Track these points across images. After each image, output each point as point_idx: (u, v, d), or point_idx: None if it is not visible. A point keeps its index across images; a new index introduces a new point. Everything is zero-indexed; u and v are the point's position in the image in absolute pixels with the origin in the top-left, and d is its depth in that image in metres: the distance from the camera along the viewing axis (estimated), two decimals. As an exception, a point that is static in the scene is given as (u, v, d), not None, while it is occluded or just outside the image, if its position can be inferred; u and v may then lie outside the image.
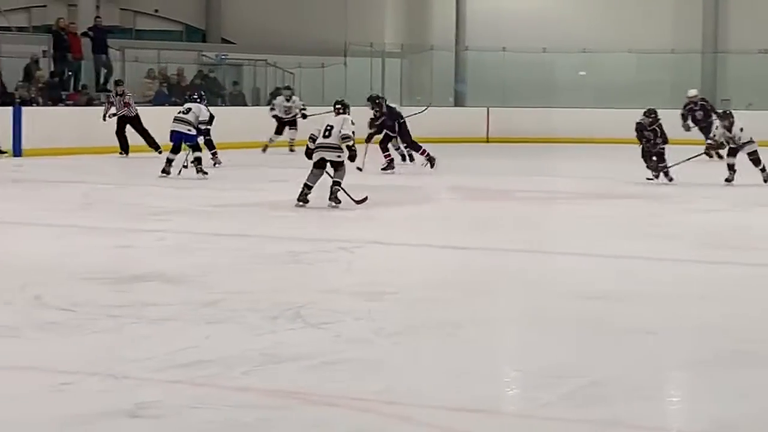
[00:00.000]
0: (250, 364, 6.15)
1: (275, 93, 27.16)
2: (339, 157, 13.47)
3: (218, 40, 31.87)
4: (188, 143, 17.52)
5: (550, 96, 30.60)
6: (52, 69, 24.95)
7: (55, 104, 23.67)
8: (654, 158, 17.06)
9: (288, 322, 7.28)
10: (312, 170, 13.55)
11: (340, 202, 13.42)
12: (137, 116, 22.08)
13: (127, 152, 22.04)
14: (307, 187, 13.47)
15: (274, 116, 23.74)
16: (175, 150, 17.54)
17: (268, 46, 29.44)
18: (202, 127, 17.61)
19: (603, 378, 6.02)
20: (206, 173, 17.37)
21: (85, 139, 21.97)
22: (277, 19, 31.07)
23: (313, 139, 13.59)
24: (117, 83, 23.25)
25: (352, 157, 13.75)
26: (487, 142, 29.43)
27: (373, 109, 19.68)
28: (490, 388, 5.95)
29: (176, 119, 17.54)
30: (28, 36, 27.48)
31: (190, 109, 17.57)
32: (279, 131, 23.72)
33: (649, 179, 17.01)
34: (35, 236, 11.67)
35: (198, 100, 18.02)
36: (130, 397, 5.49)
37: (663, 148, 17.07)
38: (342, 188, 13.49)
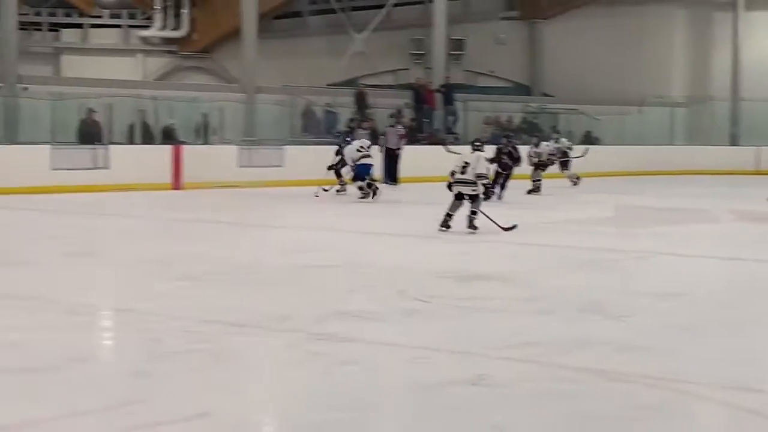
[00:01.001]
0: (565, 347, 6.05)
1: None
2: (474, 191, 12.28)
3: (540, 94, 31.81)
4: (371, 174, 17.54)
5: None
6: (413, 117, 25.60)
7: (413, 143, 24.16)
8: None
9: (593, 315, 7.15)
10: (453, 201, 12.40)
11: (477, 228, 12.09)
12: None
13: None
14: (449, 216, 12.34)
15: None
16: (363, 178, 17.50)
17: (578, 97, 29.19)
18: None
19: None
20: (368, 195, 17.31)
21: (436, 169, 22.10)
22: (585, 76, 30.73)
23: (453, 174, 12.44)
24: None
25: (488, 194, 12.63)
26: (758, 174, 28.12)
27: (509, 144, 18.43)
28: (762, 372, 5.70)
29: (364, 156, 17.37)
30: (394, 91, 28.29)
31: (363, 146, 17.50)
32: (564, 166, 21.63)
33: None
34: (398, 245, 11.83)
35: (350, 141, 17.91)
36: (471, 369, 5.49)
37: None
38: (485, 215, 12.16)
